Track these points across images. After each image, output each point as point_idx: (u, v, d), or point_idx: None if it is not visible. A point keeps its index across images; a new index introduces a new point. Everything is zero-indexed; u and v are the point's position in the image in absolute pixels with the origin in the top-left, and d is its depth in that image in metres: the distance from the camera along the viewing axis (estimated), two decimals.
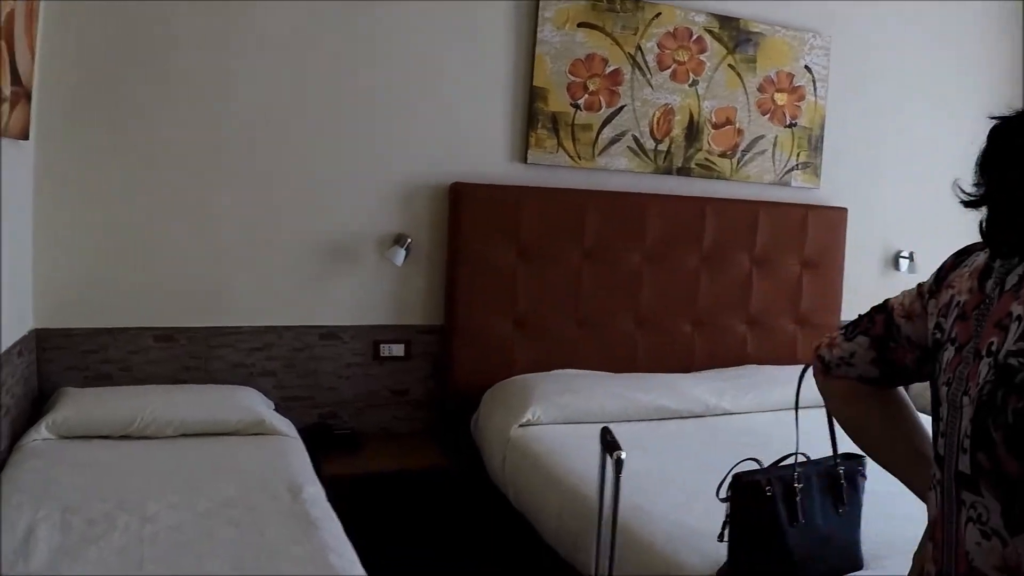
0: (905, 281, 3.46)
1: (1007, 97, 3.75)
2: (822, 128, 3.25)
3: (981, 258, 0.90)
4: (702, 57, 3.00)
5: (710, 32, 3.01)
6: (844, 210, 3.30)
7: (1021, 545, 0.70)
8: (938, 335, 0.88)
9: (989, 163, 0.84)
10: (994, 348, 0.76)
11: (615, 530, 1.44)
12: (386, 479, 2.42)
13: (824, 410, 1.38)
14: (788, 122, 3.18)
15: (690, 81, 3.00)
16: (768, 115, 3.15)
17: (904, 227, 3.56)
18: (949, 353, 0.84)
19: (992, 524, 0.72)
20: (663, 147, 2.98)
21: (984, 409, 0.73)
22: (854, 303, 3.33)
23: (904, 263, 3.51)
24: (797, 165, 3.23)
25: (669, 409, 2.61)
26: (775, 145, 3.18)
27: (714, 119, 3.06)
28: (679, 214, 2.98)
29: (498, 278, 2.72)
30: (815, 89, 3.22)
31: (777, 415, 2.60)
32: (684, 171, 3.04)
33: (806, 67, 3.18)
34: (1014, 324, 0.74)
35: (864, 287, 3.45)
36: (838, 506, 1.63)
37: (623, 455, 1.40)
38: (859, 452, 1.49)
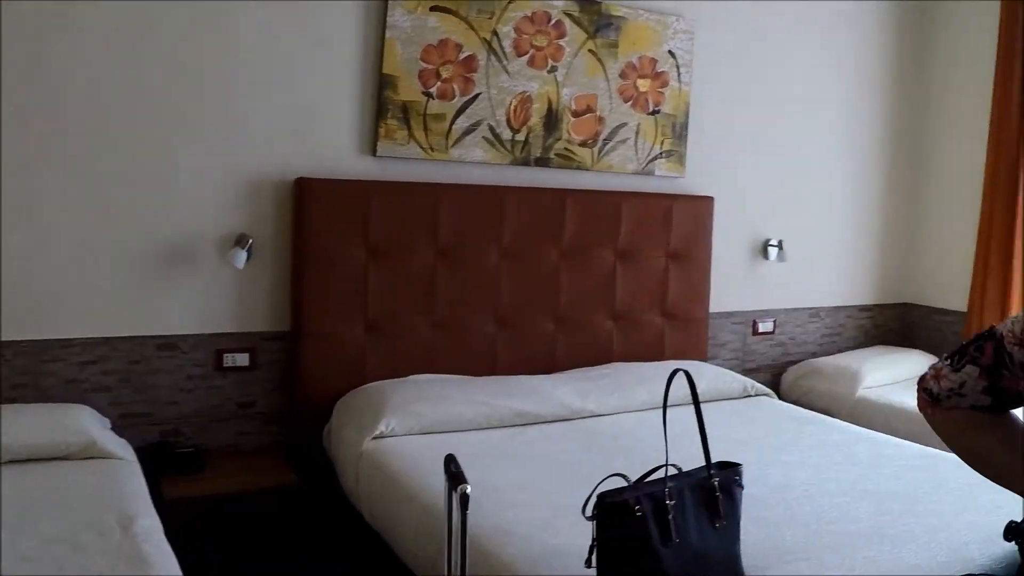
0: (775, 270, 4.15)
1: (873, 83, 4.53)
2: (686, 115, 3.79)
3: None
4: (561, 42, 3.45)
5: (570, 16, 3.46)
6: (710, 199, 3.86)
7: None
8: None
9: None
10: None
11: (465, 568, 1.63)
12: (233, 500, 2.69)
13: (694, 412, 1.78)
14: (651, 109, 3.70)
15: (549, 67, 3.44)
16: (630, 102, 3.65)
17: (773, 215, 4.19)
18: None
19: None
20: (520, 137, 3.42)
21: None
22: (723, 294, 3.98)
23: (773, 251, 4.14)
24: (661, 154, 3.76)
25: (531, 414, 3.00)
26: (638, 133, 3.69)
27: (574, 107, 3.52)
28: (538, 207, 3.42)
29: (348, 280, 3.06)
30: (679, 75, 3.76)
31: (644, 415, 3.08)
32: (543, 162, 3.49)
33: (670, 52, 3.71)
34: None
35: (732, 277, 4.07)
36: (714, 520, 1.77)
37: (468, 489, 1.59)
38: (734, 460, 1.87)
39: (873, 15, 4.45)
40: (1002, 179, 4.19)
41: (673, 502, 1.70)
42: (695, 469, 1.80)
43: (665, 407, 1.79)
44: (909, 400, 3.60)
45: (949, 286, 4.59)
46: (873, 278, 4.71)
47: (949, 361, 1.28)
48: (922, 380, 1.32)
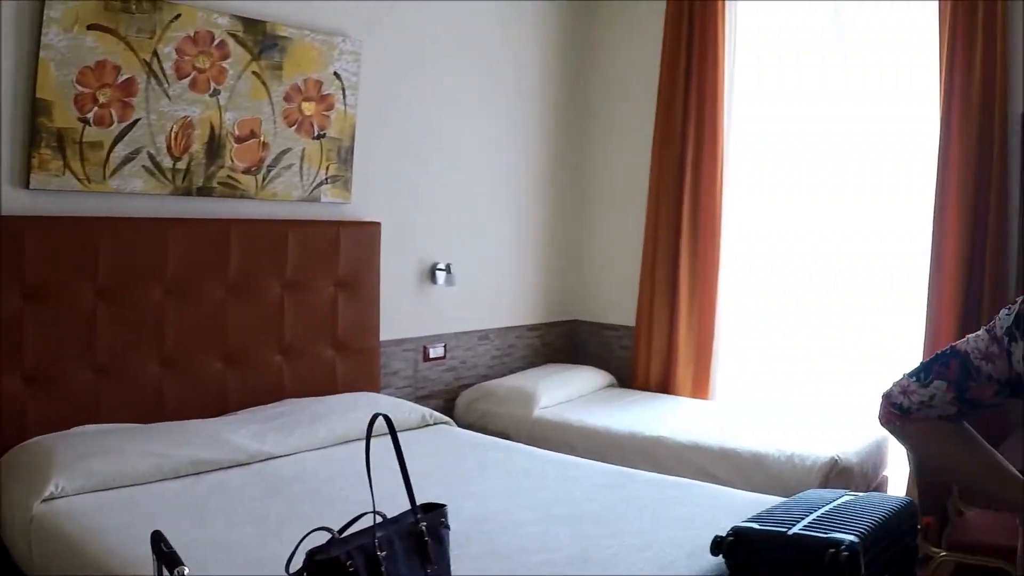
0: (444, 294, 5.27)
1: (537, 102, 5.88)
2: (352, 139, 4.71)
3: None
4: (224, 64, 4.20)
5: (234, 36, 4.21)
6: (377, 224, 4.83)
7: None
8: None
9: None
10: None
11: None
12: None
13: (383, 448, 2.29)
14: (317, 133, 4.58)
15: (211, 90, 4.17)
16: (295, 126, 4.50)
17: (440, 238, 5.26)
18: None
19: None
20: (182, 165, 4.11)
21: None
22: (393, 321, 5.00)
23: (441, 275, 5.22)
24: (327, 179, 4.65)
25: (208, 461, 3.61)
26: (303, 159, 4.54)
27: (237, 132, 4.29)
28: (202, 240, 4.15)
29: (0, 327, 3.56)
30: (345, 97, 4.69)
31: (326, 453, 3.84)
32: (205, 191, 4.22)
33: (335, 74, 4.62)
34: None
35: (402, 303, 5.06)
36: (426, 566, 2.15)
37: (187, 571, 1.86)
38: (438, 502, 2.35)
39: (538, 40, 5.77)
40: (665, 195, 5.67)
41: (384, 553, 2.06)
42: (401, 515, 2.23)
43: (368, 454, 2.20)
44: (586, 417, 5.05)
45: (616, 302, 6.04)
46: (541, 297, 6.03)
47: (915, 378, 1.85)
48: (888, 396, 1.89)
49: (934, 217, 4.89)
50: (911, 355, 4.94)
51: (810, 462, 4.37)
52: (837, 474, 4.33)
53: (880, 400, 1.94)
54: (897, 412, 1.89)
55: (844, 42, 5.41)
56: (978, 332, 1.85)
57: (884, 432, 4.62)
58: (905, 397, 1.87)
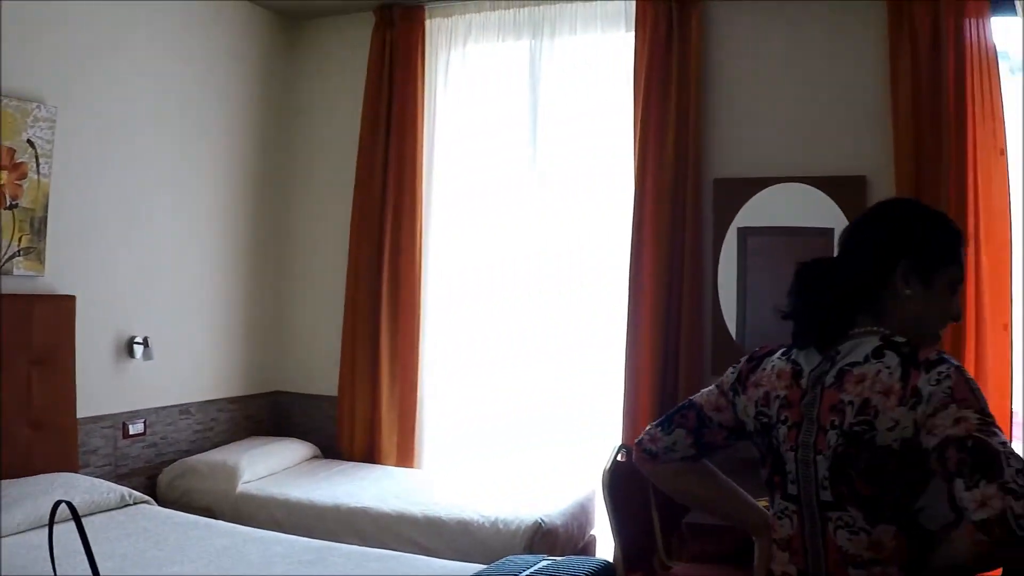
0: (142, 368, 5.15)
1: (236, 171, 5.90)
2: (46, 209, 4.55)
3: (779, 363, 2.07)
4: None
5: None
6: (72, 298, 4.67)
7: (882, 532, 1.83)
8: (764, 420, 2.03)
9: (793, 290, 2.10)
10: (837, 423, 1.86)
11: None
12: None
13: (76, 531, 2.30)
14: (9, 203, 4.39)
15: None
16: None
17: (138, 311, 5.14)
18: (783, 430, 1.98)
19: (858, 525, 1.85)
20: None
21: (840, 461, 1.85)
22: (91, 397, 4.82)
23: (139, 349, 5.10)
24: (19, 251, 4.47)
25: None
26: None
27: None
28: None
29: None
30: (38, 166, 4.51)
31: (22, 538, 3.66)
32: None
33: (29, 141, 4.47)
34: (848, 407, 1.86)
35: (100, 379, 4.90)
36: None
37: None
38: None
39: (240, 108, 5.84)
40: (364, 264, 5.82)
41: None
42: None
43: (51, 544, 2.23)
44: (290, 490, 5.04)
45: (319, 372, 6.09)
46: (243, 368, 5.99)
47: (660, 428, 2.19)
48: (640, 443, 2.22)
49: (629, 283, 5.26)
50: (612, 419, 5.28)
51: (514, 526, 4.53)
52: (542, 537, 4.50)
53: (634, 447, 2.28)
54: (647, 456, 2.22)
55: (542, 100, 5.75)
56: (710, 388, 2.24)
57: (589, 493, 4.98)
58: (653, 444, 2.21)
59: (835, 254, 2.16)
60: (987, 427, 1.72)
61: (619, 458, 4.08)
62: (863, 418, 1.87)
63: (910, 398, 1.82)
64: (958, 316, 2.12)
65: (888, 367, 1.88)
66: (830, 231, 4.83)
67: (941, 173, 4.74)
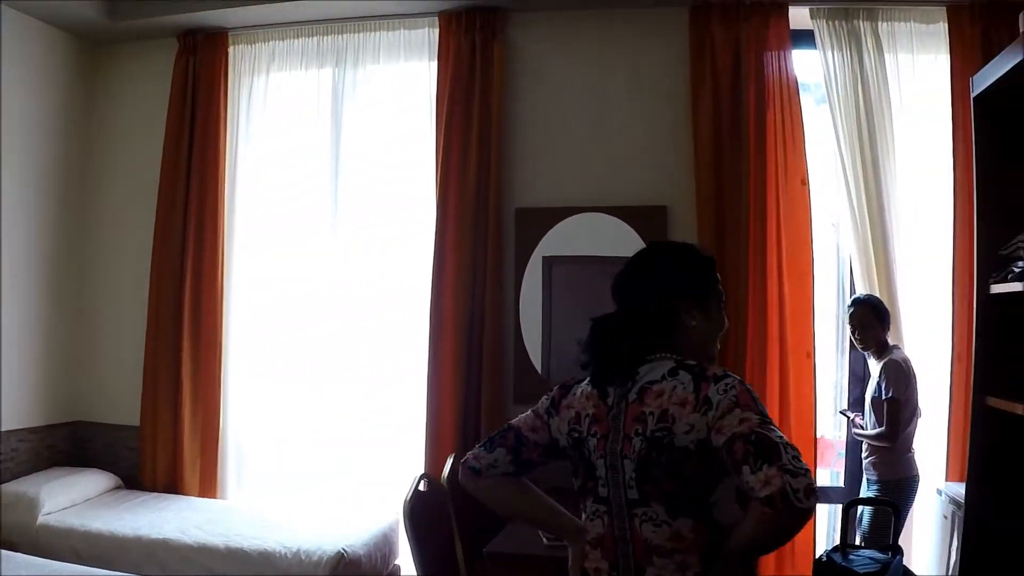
0: None
1: (41, 194, 5.72)
2: None
3: (586, 388, 2.35)
4: None
5: None
6: None
7: (682, 524, 2.15)
8: (576, 435, 2.31)
9: (588, 345, 2.34)
10: (640, 431, 2.17)
11: None
12: None
13: None
14: None
15: None
16: None
17: None
18: (593, 441, 2.26)
19: (661, 518, 2.16)
20: None
21: (644, 462, 2.16)
22: None
23: None
24: None
25: None
26: None
27: None
28: None
29: None
30: None
31: None
32: None
33: None
34: (650, 417, 2.18)
35: None
36: None
37: None
38: None
39: (40, 127, 5.78)
40: (166, 290, 5.80)
41: None
42: None
43: None
44: (91, 522, 5.02)
45: (121, 401, 6.00)
46: (43, 398, 5.89)
47: (483, 447, 2.45)
48: (465, 461, 2.47)
49: (431, 312, 5.38)
50: (416, 448, 5.38)
51: (316, 557, 4.62)
52: (345, 567, 4.59)
53: (460, 466, 2.52)
54: (472, 473, 2.47)
55: (345, 128, 5.83)
56: (526, 413, 2.51)
57: (392, 523, 5.04)
58: (477, 461, 2.46)
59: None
60: (766, 425, 2.04)
61: (420, 487, 4.12)
62: (663, 425, 2.18)
63: (702, 405, 2.14)
64: (725, 325, 2.49)
65: (682, 383, 2.21)
66: None
67: (742, 203, 5.01)
